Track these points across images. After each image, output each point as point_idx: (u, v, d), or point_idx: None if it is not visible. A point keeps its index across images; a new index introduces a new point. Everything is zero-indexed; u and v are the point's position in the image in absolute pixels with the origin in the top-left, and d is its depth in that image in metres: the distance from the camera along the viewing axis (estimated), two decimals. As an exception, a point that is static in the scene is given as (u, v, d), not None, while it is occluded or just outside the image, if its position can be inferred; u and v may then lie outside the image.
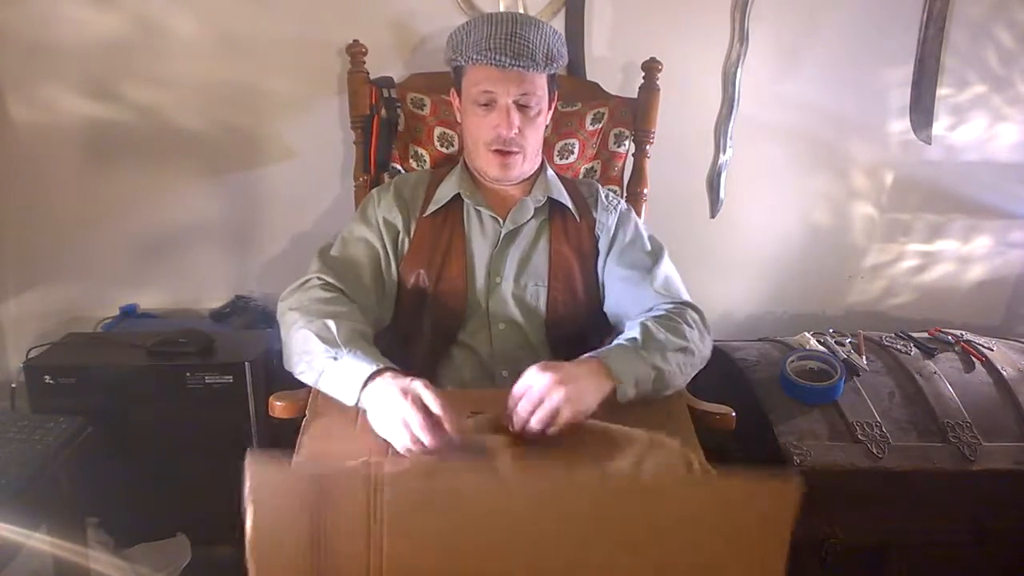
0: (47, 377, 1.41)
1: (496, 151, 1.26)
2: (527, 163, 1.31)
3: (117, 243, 1.80)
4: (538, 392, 0.97)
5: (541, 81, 1.26)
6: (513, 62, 1.19)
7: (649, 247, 1.34)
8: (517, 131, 1.23)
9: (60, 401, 1.40)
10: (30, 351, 1.49)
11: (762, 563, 0.77)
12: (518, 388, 0.99)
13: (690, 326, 1.19)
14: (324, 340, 1.07)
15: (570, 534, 0.75)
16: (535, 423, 0.96)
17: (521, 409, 0.97)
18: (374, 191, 1.39)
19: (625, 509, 0.76)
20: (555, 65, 1.26)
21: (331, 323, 1.09)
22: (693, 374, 1.19)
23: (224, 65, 1.70)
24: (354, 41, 1.60)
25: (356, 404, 1.00)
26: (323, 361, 1.05)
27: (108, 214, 1.77)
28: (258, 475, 0.72)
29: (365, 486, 0.73)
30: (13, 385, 1.53)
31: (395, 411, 0.93)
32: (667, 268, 1.32)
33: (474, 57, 1.21)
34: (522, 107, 1.24)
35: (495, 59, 1.19)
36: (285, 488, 0.74)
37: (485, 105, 1.24)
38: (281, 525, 0.73)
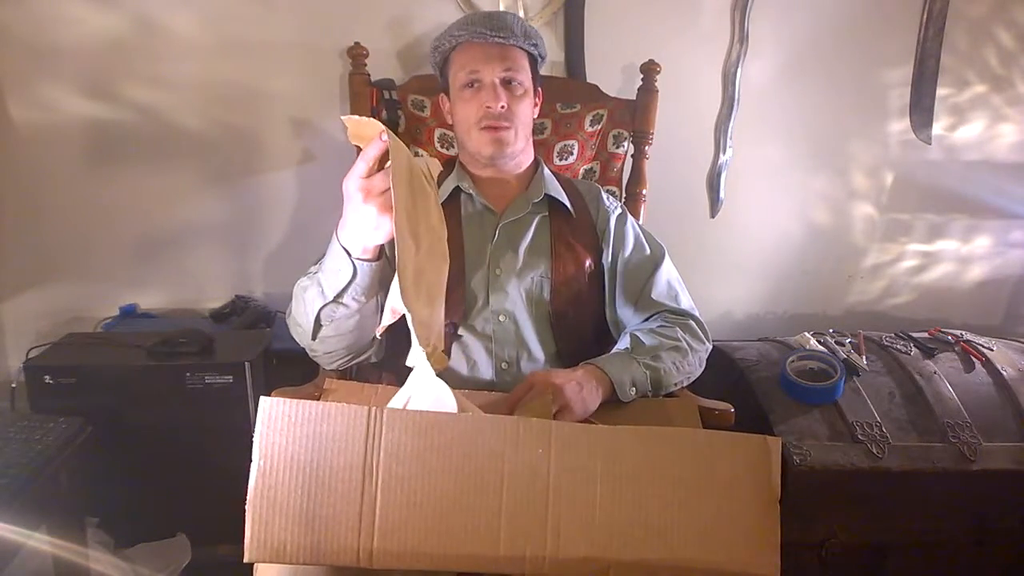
0: (47, 377, 1.41)
1: (487, 127, 1.28)
2: (519, 142, 1.31)
3: (117, 243, 1.80)
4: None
5: (523, 60, 1.30)
6: (493, 33, 1.26)
7: (648, 251, 1.35)
8: (504, 106, 1.26)
9: (60, 401, 1.40)
10: (30, 351, 1.49)
11: (757, 523, 0.79)
12: (518, 390, 1.03)
13: (682, 330, 1.25)
14: (308, 272, 1.14)
15: (555, 477, 0.79)
16: None
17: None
18: None
19: (614, 460, 0.80)
20: (532, 43, 1.30)
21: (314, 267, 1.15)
22: (692, 372, 1.24)
23: (225, 66, 1.70)
24: (355, 44, 1.61)
25: (353, 270, 1.01)
26: (315, 276, 1.09)
27: (108, 214, 1.77)
28: (268, 409, 0.77)
29: (365, 425, 0.78)
30: (13, 385, 1.53)
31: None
32: (667, 272, 1.34)
33: (456, 34, 1.28)
34: (507, 84, 1.28)
35: (476, 31, 1.26)
36: (291, 423, 0.78)
37: (471, 86, 1.28)
38: (284, 459, 0.77)
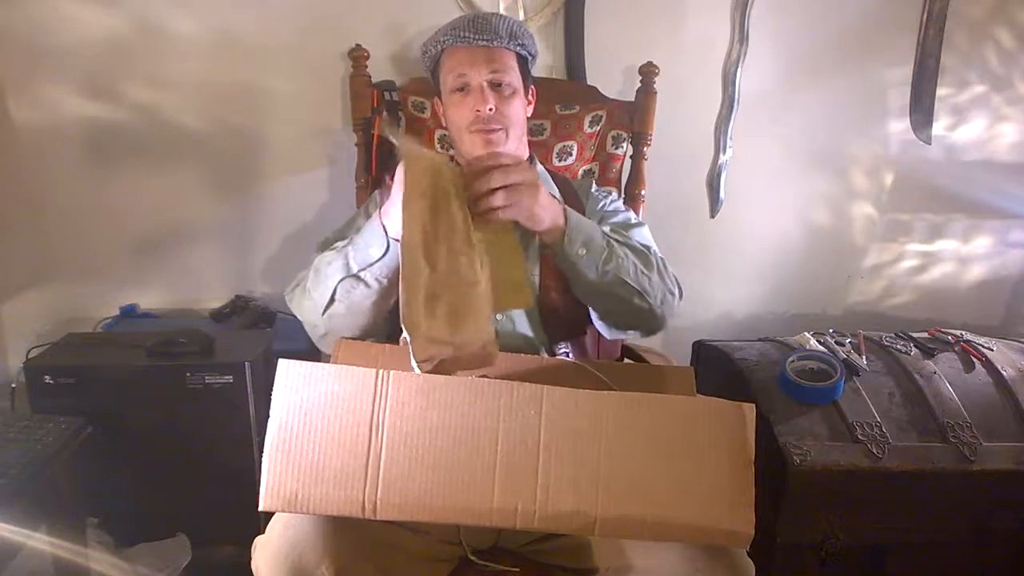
0: (47, 377, 1.41)
1: (478, 131, 1.28)
2: (511, 143, 1.31)
3: (117, 243, 1.80)
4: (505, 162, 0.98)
5: (510, 60, 1.30)
6: (476, 36, 1.26)
7: (631, 221, 1.33)
8: (493, 108, 1.26)
9: (60, 401, 1.40)
10: (30, 351, 1.49)
11: (733, 483, 0.84)
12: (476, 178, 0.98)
13: (660, 260, 1.20)
14: (332, 248, 1.16)
15: (546, 437, 0.84)
16: (495, 183, 0.95)
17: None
18: (375, 193, 1.40)
19: (601, 422, 0.85)
20: (519, 43, 1.30)
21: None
22: (649, 292, 1.14)
23: (226, 66, 1.70)
24: (356, 45, 1.61)
25: (387, 248, 1.05)
26: (343, 250, 1.11)
27: (108, 214, 1.77)
28: (286, 371, 0.83)
29: (373, 386, 0.83)
30: (13, 385, 1.53)
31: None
32: (644, 234, 1.30)
33: (443, 40, 1.29)
34: (495, 86, 1.28)
35: (460, 35, 1.27)
36: (306, 383, 0.83)
37: (460, 90, 1.29)
38: (298, 416, 0.83)
